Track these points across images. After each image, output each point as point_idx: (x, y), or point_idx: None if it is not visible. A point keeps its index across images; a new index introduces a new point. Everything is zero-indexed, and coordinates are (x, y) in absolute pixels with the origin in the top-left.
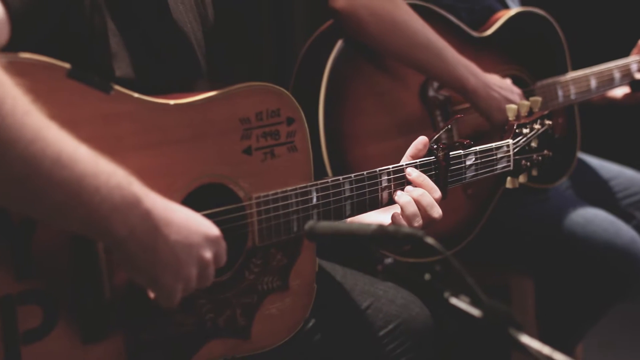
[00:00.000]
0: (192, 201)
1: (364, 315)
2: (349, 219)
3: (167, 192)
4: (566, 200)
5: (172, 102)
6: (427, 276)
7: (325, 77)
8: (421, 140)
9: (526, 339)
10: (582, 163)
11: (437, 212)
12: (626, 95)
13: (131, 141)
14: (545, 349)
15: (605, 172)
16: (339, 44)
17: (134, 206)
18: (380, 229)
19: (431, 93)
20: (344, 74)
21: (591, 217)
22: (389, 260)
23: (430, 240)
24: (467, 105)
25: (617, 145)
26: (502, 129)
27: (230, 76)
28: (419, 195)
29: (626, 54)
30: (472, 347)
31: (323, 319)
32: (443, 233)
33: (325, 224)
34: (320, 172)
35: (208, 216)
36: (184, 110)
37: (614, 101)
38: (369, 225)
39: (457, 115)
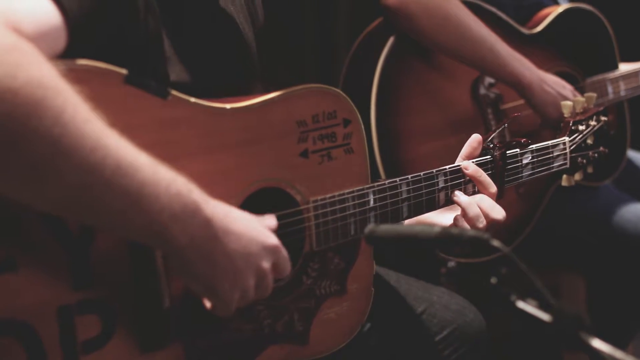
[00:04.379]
0: (249, 205)
1: (419, 320)
2: (406, 221)
3: (225, 197)
4: (616, 197)
5: (228, 106)
6: (493, 280)
7: (377, 76)
8: (475, 139)
9: (598, 343)
10: (630, 160)
11: (499, 213)
12: None
13: (189, 146)
14: (618, 353)
15: None
16: (390, 41)
17: (194, 214)
18: (444, 231)
19: (482, 91)
20: (396, 72)
21: None
22: (452, 264)
23: (496, 242)
24: (518, 102)
25: None
26: (557, 125)
27: (278, 78)
28: (480, 197)
29: None
30: (524, 345)
31: (379, 324)
32: (495, 232)
33: (387, 227)
34: (372, 172)
35: None
36: (240, 114)
37: None
38: (432, 227)
39: (514, 114)
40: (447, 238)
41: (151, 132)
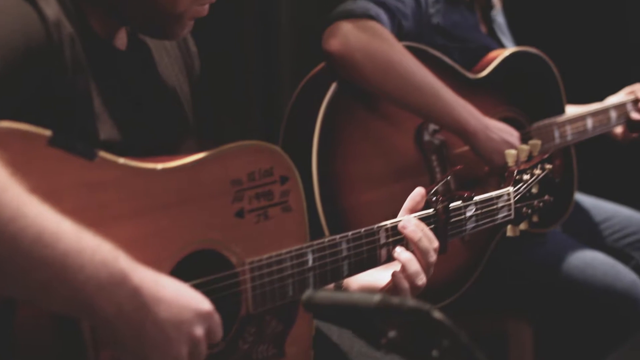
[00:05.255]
0: (182, 270)
1: None
2: (347, 280)
3: (155, 261)
4: (564, 242)
5: (159, 166)
6: (435, 353)
7: (319, 122)
8: (418, 193)
9: None
10: (577, 203)
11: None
12: (624, 133)
13: (117, 210)
14: None
15: (601, 211)
16: (333, 87)
17: (121, 283)
18: (384, 301)
19: (427, 137)
20: (338, 118)
21: (590, 260)
22: (392, 334)
23: (438, 314)
24: (463, 149)
25: (612, 184)
26: (501, 174)
27: (217, 129)
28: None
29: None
30: None
31: None
32: (440, 281)
33: (324, 294)
34: (313, 221)
35: (199, 285)
36: (172, 175)
37: (612, 137)
38: (371, 295)
39: (457, 167)
40: (387, 308)
41: (77, 196)
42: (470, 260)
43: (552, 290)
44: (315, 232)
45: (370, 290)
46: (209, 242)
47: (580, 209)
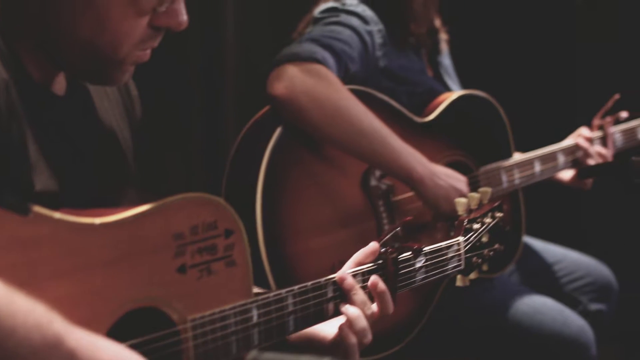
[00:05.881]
0: (121, 329)
1: None
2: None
3: (92, 321)
4: (512, 288)
5: (97, 221)
6: None
7: (263, 167)
8: (371, 247)
9: None
10: (526, 246)
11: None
12: (572, 178)
13: (52, 267)
14: None
15: (549, 255)
16: (278, 131)
17: (55, 347)
18: None
19: (373, 182)
20: (283, 163)
21: (539, 305)
22: None
23: None
24: (410, 194)
25: (560, 227)
26: (450, 221)
27: (159, 177)
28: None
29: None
30: None
31: None
32: (386, 330)
33: (270, 357)
34: (257, 269)
35: (138, 345)
36: (111, 229)
37: (560, 181)
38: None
39: (407, 218)
40: None
41: (9, 254)
42: (417, 307)
43: (501, 336)
44: (259, 280)
45: (316, 343)
46: (149, 300)
47: (531, 252)
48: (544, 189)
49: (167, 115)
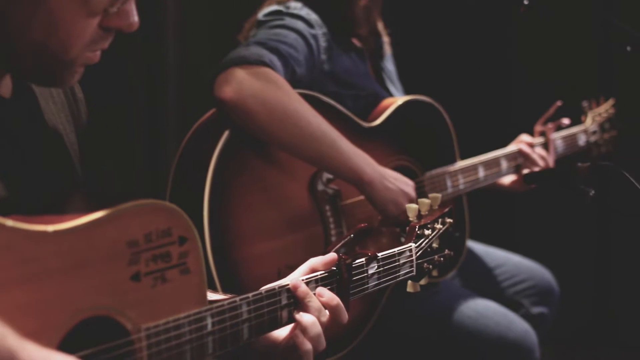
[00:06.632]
0: (74, 339)
1: None
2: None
3: (45, 330)
4: (456, 292)
5: (50, 228)
6: None
7: (210, 172)
8: (330, 258)
9: None
10: (469, 250)
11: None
12: (513, 183)
13: (5, 276)
14: None
15: (491, 259)
16: (225, 135)
17: None
18: None
19: (320, 187)
20: (230, 168)
21: (483, 309)
22: None
23: None
24: (357, 199)
25: (502, 231)
26: (402, 228)
27: (103, 180)
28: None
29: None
30: None
31: None
32: (332, 334)
33: None
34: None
35: (90, 356)
36: (64, 237)
37: (501, 188)
38: None
39: (360, 225)
40: None
41: None
42: (363, 312)
43: (446, 340)
44: (208, 286)
45: (271, 349)
46: (103, 309)
47: (473, 256)
48: (486, 193)
49: (108, 119)
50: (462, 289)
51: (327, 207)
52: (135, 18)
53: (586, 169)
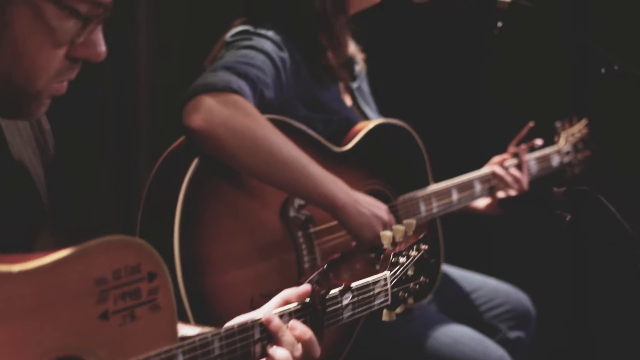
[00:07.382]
0: None
1: None
2: None
3: None
4: (432, 318)
5: (16, 268)
6: None
7: (180, 200)
8: (304, 290)
9: None
10: (445, 274)
11: None
12: (488, 206)
13: None
14: None
15: (467, 283)
16: (194, 163)
17: None
18: None
19: (292, 213)
20: (201, 195)
21: (459, 336)
22: None
23: None
24: (330, 224)
25: (478, 254)
26: (376, 255)
27: (72, 214)
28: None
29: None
30: None
31: None
32: None
33: None
34: (177, 306)
35: None
36: (30, 277)
37: (475, 211)
38: None
39: (333, 256)
40: None
41: None
42: (337, 340)
43: None
44: (179, 315)
45: None
46: (72, 349)
47: (449, 281)
48: (461, 217)
49: (77, 150)
50: (438, 315)
51: (300, 234)
52: (102, 48)
53: (562, 194)
